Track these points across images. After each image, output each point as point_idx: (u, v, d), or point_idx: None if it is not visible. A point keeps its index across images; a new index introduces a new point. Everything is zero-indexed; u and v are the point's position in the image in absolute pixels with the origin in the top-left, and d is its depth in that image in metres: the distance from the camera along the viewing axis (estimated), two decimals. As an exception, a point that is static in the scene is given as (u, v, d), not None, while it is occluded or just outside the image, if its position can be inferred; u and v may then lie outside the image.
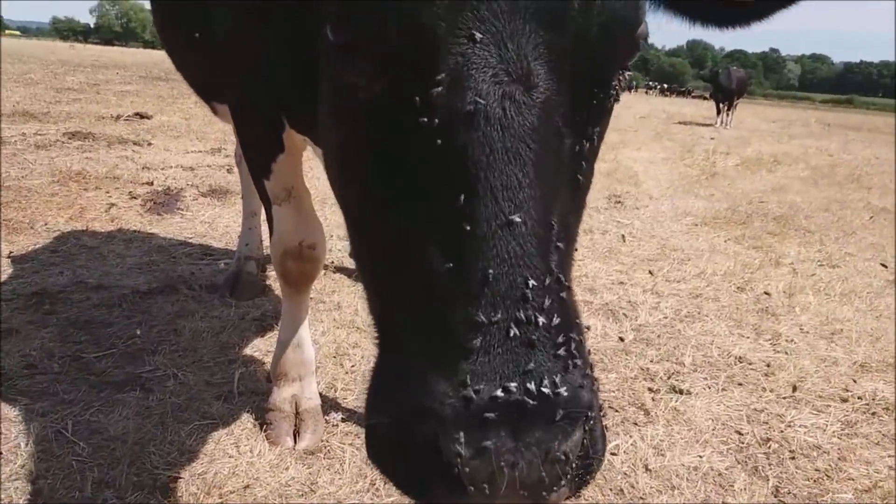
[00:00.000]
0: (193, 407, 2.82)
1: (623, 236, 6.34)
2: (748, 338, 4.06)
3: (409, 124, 0.99)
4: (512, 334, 0.93)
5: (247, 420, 2.77)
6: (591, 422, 0.96)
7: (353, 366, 3.28)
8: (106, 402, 2.81)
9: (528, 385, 0.91)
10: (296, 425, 2.73)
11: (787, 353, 3.86)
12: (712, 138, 18.85)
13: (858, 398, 3.39)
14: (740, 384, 3.44)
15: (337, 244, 5.24)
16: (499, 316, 0.93)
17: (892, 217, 8.69)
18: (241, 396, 2.95)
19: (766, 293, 4.94)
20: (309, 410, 2.78)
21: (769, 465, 2.77)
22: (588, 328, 1.13)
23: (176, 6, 2.91)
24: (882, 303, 4.96)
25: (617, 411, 3.09)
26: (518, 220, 0.96)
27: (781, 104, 75.85)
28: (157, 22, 3.57)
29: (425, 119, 0.98)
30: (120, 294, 3.94)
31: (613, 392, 3.25)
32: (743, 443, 2.92)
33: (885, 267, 6.04)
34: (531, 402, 0.90)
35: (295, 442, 2.68)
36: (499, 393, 0.90)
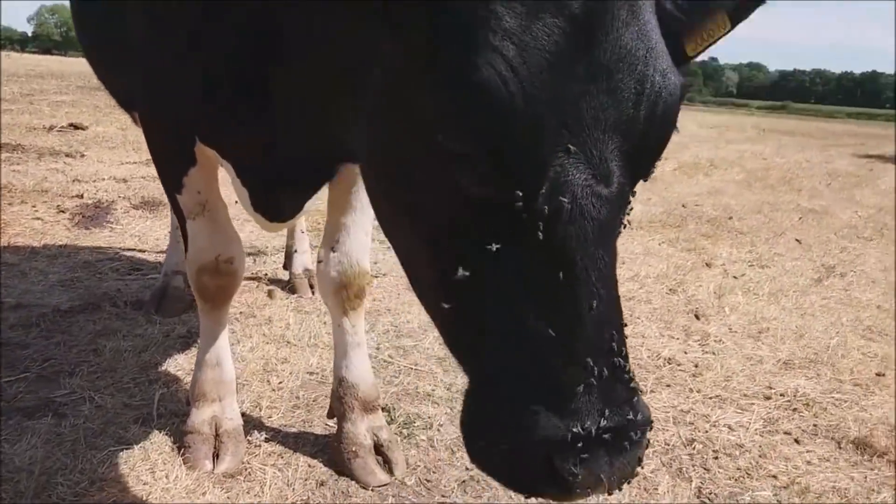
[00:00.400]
0: (109, 432, 2.72)
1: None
2: (678, 339, 4.13)
3: (512, 217, 1.17)
4: (604, 378, 1.19)
5: (165, 444, 2.67)
6: (647, 425, 1.26)
7: (280, 382, 3.22)
8: (14, 430, 2.68)
9: (617, 416, 1.20)
10: (215, 447, 2.63)
11: (714, 353, 3.93)
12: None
13: (781, 395, 3.48)
14: (668, 385, 3.49)
15: (272, 256, 5.17)
16: (597, 366, 1.18)
17: (819, 217, 8.98)
18: (160, 419, 2.86)
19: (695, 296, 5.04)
20: (229, 432, 2.68)
21: (693, 465, 2.82)
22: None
23: (92, 11, 2.86)
24: (807, 300, 5.11)
25: (546, 417, 3.10)
26: (603, 292, 1.20)
27: (721, 111, 77.94)
28: (76, 29, 3.49)
29: (527, 214, 1.16)
30: (39, 313, 3.80)
31: (543, 398, 3.27)
32: (669, 444, 2.96)
33: (813, 262, 6.24)
34: (618, 429, 1.19)
35: (214, 465, 2.58)
36: (601, 424, 1.18)
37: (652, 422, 1.28)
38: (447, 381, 3.35)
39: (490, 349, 1.27)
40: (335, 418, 2.77)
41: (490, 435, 1.26)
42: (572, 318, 1.18)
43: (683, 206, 8.98)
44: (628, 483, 1.27)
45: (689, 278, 5.45)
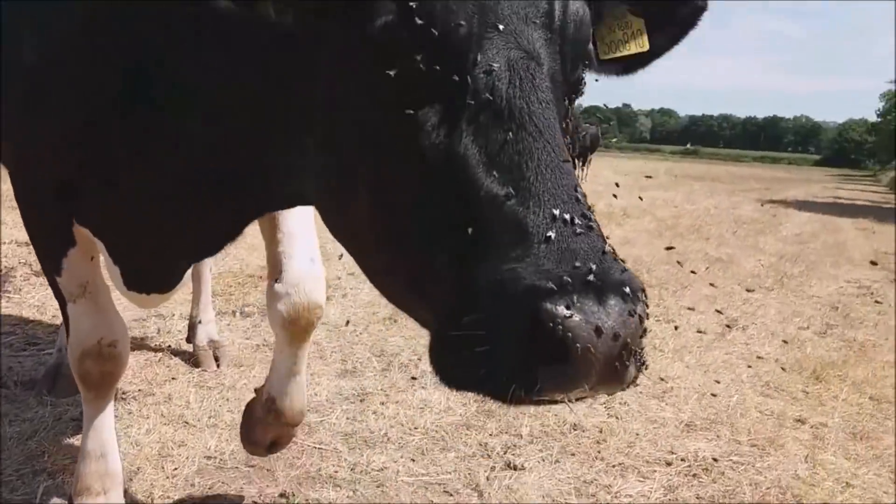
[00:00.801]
0: (-15, 533, 2.57)
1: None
2: (584, 403, 4.19)
3: (457, 90, 1.26)
4: (576, 227, 1.16)
5: (47, 544, 2.54)
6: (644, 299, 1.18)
7: (175, 469, 3.10)
8: None
9: (608, 264, 1.15)
10: None
11: (618, 417, 4.01)
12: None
13: (682, 460, 3.56)
14: (573, 454, 3.54)
15: (178, 324, 5.03)
16: (568, 213, 1.17)
17: (725, 266, 9.36)
18: (43, 515, 2.72)
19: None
20: None
21: (594, 539, 2.85)
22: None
23: None
24: (710, 357, 5.29)
25: (451, 495, 3.09)
26: (558, 147, 1.24)
27: (635, 156, 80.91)
28: None
29: (474, 85, 1.25)
30: (-81, 400, 3.58)
31: (449, 474, 3.25)
32: (572, 517, 2.99)
33: (720, 313, 6.47)
34: (615, 276, 1.13)
35: None
36: (582, 267, 1.11)
37: (642, 287, 1.19)
38: (352, 460, 3.30)
39: (454, 242, 1.24)
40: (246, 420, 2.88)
41: (464, 329, 1.14)
42: (532, 169, 1.21)
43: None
44: (639, 365, 1.18)
45: (599, 336, 5.56)
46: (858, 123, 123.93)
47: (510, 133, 1.23)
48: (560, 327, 1.05)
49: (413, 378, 4.36)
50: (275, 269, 2.59)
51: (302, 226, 2.62)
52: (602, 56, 1.66)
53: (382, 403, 3.94)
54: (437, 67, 1.26)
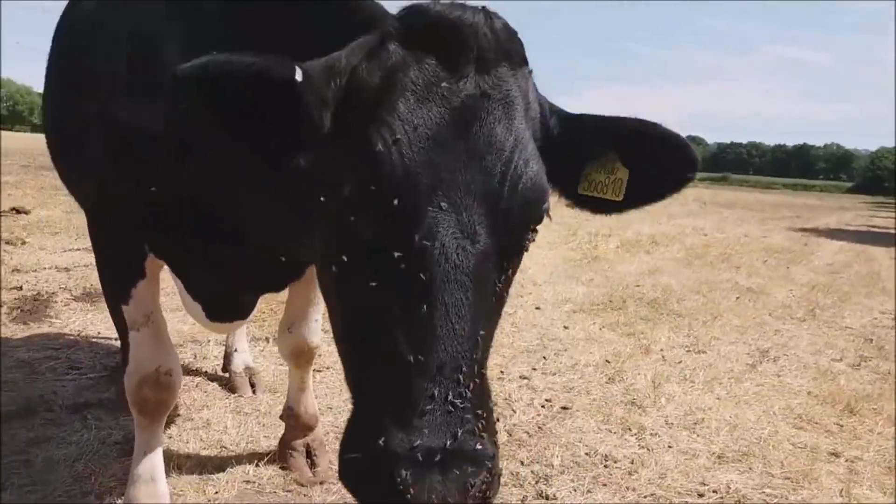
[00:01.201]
0: (37, 553, 2.66)
1: (504, 327, 6.50)
2: (615, 433, 4.21)
3: (393, 260, 1.45)
4: (448, 405, 1.41)
5: (95, 563, 2.63)
6: (490, 470, 1.42)
7: (216, 493, 3.18)
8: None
9: (454, 441, 1.38)
10: None
11: (649, 448, 4.02)
12: (596, 217, 19.71)
13: (714, 492, 3.57)
14: (604, 485, 3.56)
15: (213, 350, 5.14)
16: (441, 391, 1.40)
17: (756, 297, 9.30)
18: (91, 536, 2.81)
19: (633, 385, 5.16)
20: None
21: (627, 570, 2.86)
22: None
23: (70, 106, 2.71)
24: (741, 388, 5.27)
25: (483, 523, 3.13)
26: (458, 327, 1.43)
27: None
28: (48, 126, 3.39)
29: (406, 257, 1.45)
30: (-31, 422, 3.71)
31: None
32: (604, 548, 3.01)
33: (751, 345, 6.45)
34: (454, 451, 1.38)
35: None
36: (436, 444, 1.37)
37: (491, 460, 1.44)
38: (386, 487, 3.36)
39: (364, 372, 1.55)
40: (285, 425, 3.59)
41: (349, 451, 1.49)
42: (425, 345, 1.42)
43: (624, 287, 9.22)
44: None
45: (628, 366, 5.58)
46: (891, 151, 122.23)
47: (424, 309, 1.43)
48: (404, 488, 1.35)
49: (444, 406, 4.42)
50: (288, 321, 3.39)
51: (315, 309, 3.34)
52: (581, 191, 1.82)
53: (415, 431, 4.00)
54: (383, 235, 1.48)
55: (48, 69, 2.91)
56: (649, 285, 9.52)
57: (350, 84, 1.53)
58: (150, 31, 2.22)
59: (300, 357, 3.42)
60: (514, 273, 1.65)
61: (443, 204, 1.44)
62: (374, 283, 1.48)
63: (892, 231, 25.73)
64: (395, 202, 1.44)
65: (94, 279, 7.15)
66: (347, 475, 1.51)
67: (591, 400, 4.74)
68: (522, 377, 5.09)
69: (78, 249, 8.79)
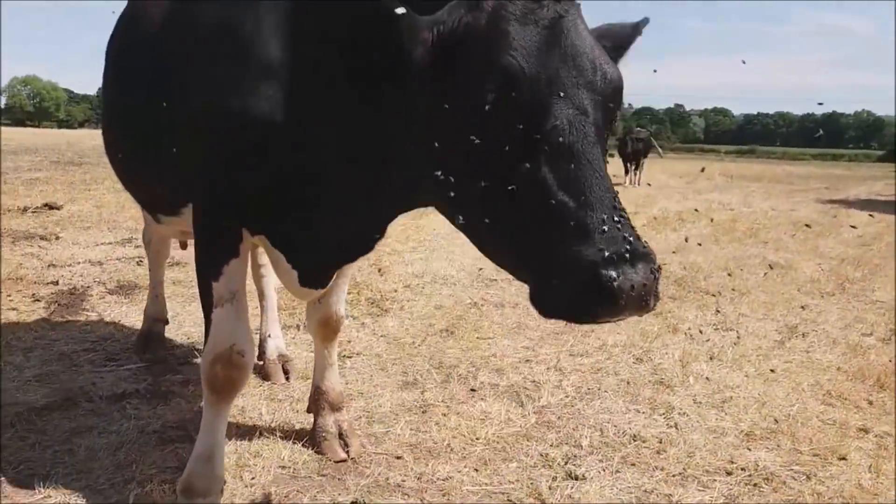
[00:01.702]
0: (85, 539, 2.77)
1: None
2: (643, 413, 4.25)
3: (539, 140, 1.91)
4: (617, 224, 1.84)
5: (141, 548, 2.74)
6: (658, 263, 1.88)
7: (252, 478, 3.28)
8: (-9, 541, 2.74)
9: (631, 245, 1.80)
10: None
11: (678, 427, 4.05)
12: (622, 195, 19.58)
13: (742, 469, 3.59)
14: (633, 464, 3.60)
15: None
16: (608, 215, 1.84)
17: (784, 272, 9.22)
18: (136, 522, 2.92)
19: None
20: None
21: (656, 548, 2.91)
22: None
23: (147, 110, 3.02)
24: (769, 365, 5.27)
25: (514, 504, 3.19)
26: (599, 171, 1.90)
27: (689, 157, 79.52)
28: (108, 128, 3.68)
29: (551, 134, 1.91)
30: (14, 413, 3.84)
31: (513, 483, 3.36)
32: (633, 526, 3.05)
33: (779, 321, 6.43)
34: (634, 251, 1.80)
35: None
36: (626, 248, 1.80)
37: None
38: (417, 470, 3.43)
39: (540, 235, 1.90)
40: (312, 413, 3.75)
41: (553, 285, 1.85)
42: (585, 191, 1.85)
43: (651, 265, 9.18)
44: (656, 299, 1.86)
45: (656, 345, 5.60)
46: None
47: (572, 166, 1.88)
48: (610, 284, 1.74)
49: (472, 390, 4.49)
50: (318, 299, 3.48)
51: (343, 280, 3.53)
52: None
53: (444, 415, 4.07)
54: (522, 126, 1.91)
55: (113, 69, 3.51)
56: (676, 263, 9.48)
57: (458, 28, 2.00)
58: (245, 21, 2.55)
59: (327, 328, 3.57)
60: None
61: (560, 93, 1.90)
62: (527, 165, 1.90)
63: (925, 200, 25.24)
64: (530, 97, 1.89)
65: (126, 272, 7.32)
66: (553, 303, 1.88)
67: (619, 380, 4.78)
68: (550, 359, 5.14)
69: (110, 243, 8.98)
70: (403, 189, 2.42)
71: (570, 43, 1.96)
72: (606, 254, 1.76)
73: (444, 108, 2.02)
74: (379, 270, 7.93)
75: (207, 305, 2.84)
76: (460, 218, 2.13)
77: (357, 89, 2.29)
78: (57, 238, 9.14)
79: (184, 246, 4.94)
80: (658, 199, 19.99)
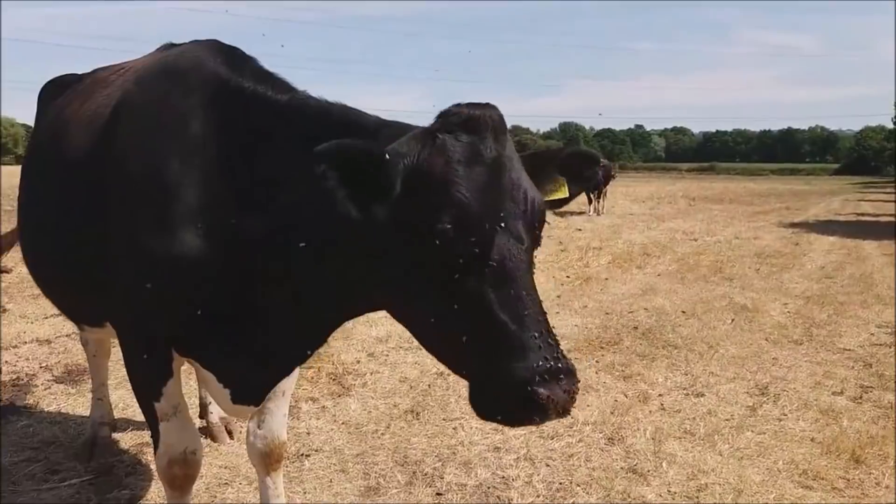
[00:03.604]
0: None
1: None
2: (615, 512, 4.07)
3: (480, 265, 2.09)
4: (548, 341, 2.05)
5: None
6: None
7: None
8: None
9: (558, 362, 2.02)
10: None
11: (653, 530, 3.88)
12: (580, 230, 19.68)
13: (722, 583, 3.43)
14: (609, 584, 3.42)
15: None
16: (541, 333, 2.05)
17: (751, 316, 9.19)
18: None
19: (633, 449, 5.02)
20: None
21: None
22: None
23: (62, 232, 3.20)
24: (743, 439, 5.14)
25: None
26: (532, 294, 2.12)
27: (651, 177, 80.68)
28: (30, 248, 3.80)
29: (491, 260, 2.09)
30: (-58, 556, 3.55)
31: None
32: None
33: (748, 381, 6.34)
34: (562, 369, 2.02)
35: None
36: (552, 364, 2.01)
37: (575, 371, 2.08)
38: None
39: (481, 347, 2.09)
40: None
41: (490, 394, 2.09)
42: (521, 311, 2.05)
43: (619, 315, 9.10)
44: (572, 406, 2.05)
45: (627, 420, 5.45)
46: (875, 130, 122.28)
47: (511, 290, 2.08)
48: (541, 399, 1.97)
49: (438, 493, 4.27)
50: (258, 416, 3.45)
51: (285, 387, 3.47)
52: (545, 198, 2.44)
53: (409, 532, 3.85)
54: (470, 254, 2.09)
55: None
56: (643, 310, 9.41)
57: (418, 164, 2.17)
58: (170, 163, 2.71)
59: (270, 458, 3.52)
60: None
61: (502, 224, 2.10)
62: (472, 288, 2.08)
63: (882, 220, 25.75)
64: (474, 229, 2.07)
65: (75, 353, 6.98)
66: (489, 408, 2.12)
67: (590, 470, 4.60)
68: (519, 447, 4.95)
69: (58, 315, 8.56)
70: (350, 305, 2.68)
71: (508, 178, 2.18)
72: (538, 371, 1.97)
73: (402, 235, 2.18)
74: (343, 335, 7.69)
75: (152, 419, 3.05)
76: (410, 326, 2.40)
77: (302, 221, 2.50)
78: (4, 311, 8.76)
79: None
80: (622, 229, 20.08)
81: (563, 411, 2.02)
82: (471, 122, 2.20)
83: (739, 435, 5.22)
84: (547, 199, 2.44)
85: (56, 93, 4.08)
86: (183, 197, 2.64)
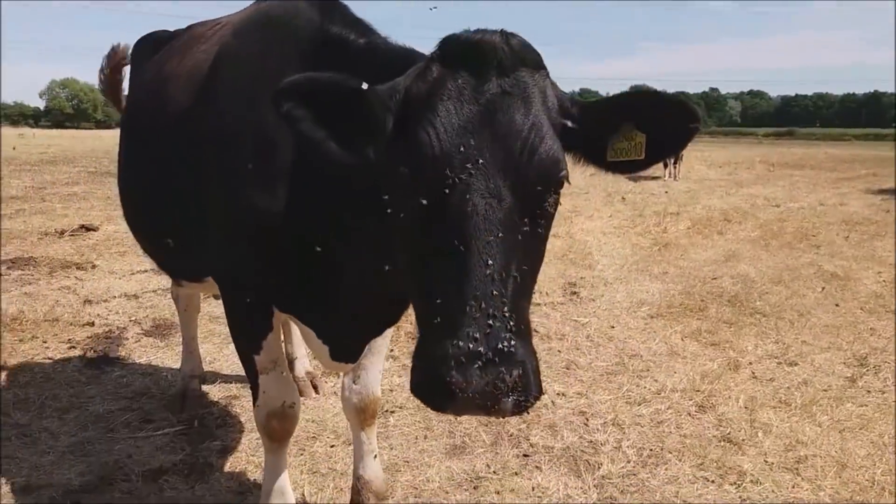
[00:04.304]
0: None
1: (579, 342, 6.24)
2: (713, 482, 3.93)
3: (440, 219, 1.81)
4: (488, 319, 1.70)
5: None
6: (524, 368, 1.70)
7: None
8: None
9: (492, 348, 1.68)
10: None
11: (752, 501, 3.73)
12: (665, 192, 19.15)
13: (830, 558, 3.27)
14: (709, 554, 3.30)
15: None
16: (482, 308, 1.71)
17: (842, 284, 8.76)
18: None
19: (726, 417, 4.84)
20: None
21: None
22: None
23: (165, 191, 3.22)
24: (843, 411, 4.90)
25: None
26: (490, 263, 1.75)
27: (727, 141, 78.07)
28: (128, 200, 3.89)
29: (447, 215, 1.81)
30: (49, 496, 3.68)
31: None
32: None
33: (846, 351, 6.04)
34: (490, 353, 1.67)
35: None
36: (476, 349, 1.67)
37: (526, 361, 1.71)
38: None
39: (422, 315, 1.88)
40: None
41: (416, 366, 1.80)
42: (464, 279, 1.73)
43: (702, 282, 8.81)
44: (515, 407, 1.72)
45: (718, 388, 5.26)
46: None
47: (459, 254, 1.76)
48: (449, 384, 1.66)
49: (525, 455, 4.20)
50: (353, 371, 3.44)
51: (381, 345, 3.45)
52: (609, 158, 2.13)
53: (497, 492, 3.80)
54: (423, 203, 1.84)
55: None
56: (727, 277, 9.08)
57: (407, 97, 1.95)
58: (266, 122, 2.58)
59: (365, 413, 3.51)
60: (544, 230, 1.95)
61: (472, 173, 1.79)
62: (429, 240, 1.83)
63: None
64: (432, 174, 1.81)
65: (162, 307, 7.18)
66: (412, 383, 1.80)
67: (682, 438, 4.45)
68: (606, 411, 4.83)
69: (145, 271, 8.83)
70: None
71: (507, 121, 1.86)
72: (458, 352, 1.67)
73: (387, 174, 2.01)
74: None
75: (252, 373, 3.07)
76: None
77: (350, 166, 2.23)
78: (93, 267, 9.04)
79: None
80: (700, 195, 19.43)
81: (485, 406, 1.68)
82: (470, 52, 1.92)
83: (839, 406, 4.98)
84: (613, 160, 2.11)
85: (151, 50, 4.10)
86: (281, 150, 2.58)
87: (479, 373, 1.65)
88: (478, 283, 1.72)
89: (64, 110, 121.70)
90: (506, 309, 1.72)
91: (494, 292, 1.72)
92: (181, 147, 3.03)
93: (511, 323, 1.71)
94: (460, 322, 1.69)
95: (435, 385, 1.69)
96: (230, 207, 2.73)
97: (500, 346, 1.67)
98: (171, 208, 3.19)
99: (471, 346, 1.66)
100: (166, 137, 3.18)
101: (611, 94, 2.25)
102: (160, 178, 3.24)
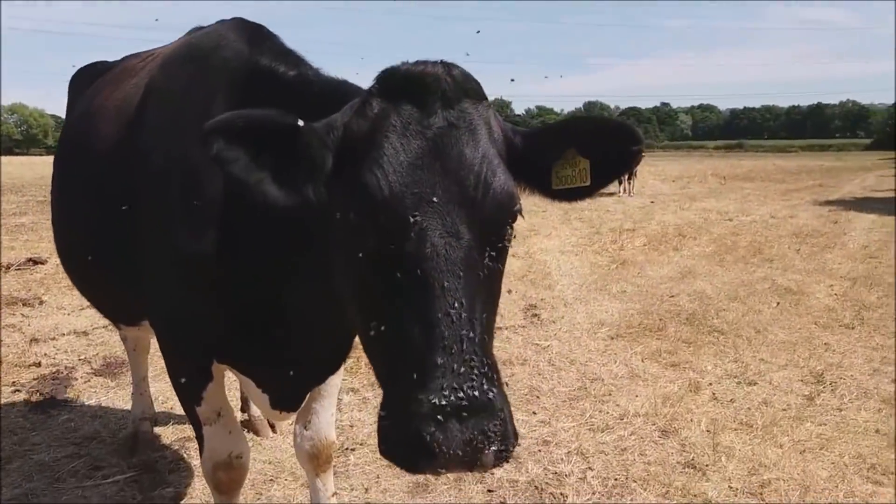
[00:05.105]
0: None
1: (540, 367, 6.20)
2: (674, 511, 3.90)
3: (395, 264, 1.70)
4: (463, 366, 1.59)
5: None
6: (502, 418, 1.60)
7: None
8: None
9: (469, 397, 1.57)
10: None
11: (719, 530, 3.71)
12: (617, 208, 19.36)
13: (798, 588, 3.25)
14: (677, 590, 3.25)
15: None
16: (448, 360, 1.59)
17: (796, 299, 8.91)
18: None
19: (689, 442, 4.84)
20: None
21: None
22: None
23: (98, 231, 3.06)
24: (803, 431, 4.93)
25: None
26: (456, 306, 1.64)
27: (678, 155, 79.54)
28: (57, 224, 3.75)
29: (405, 259, 1.69)
30: (-10, 558, 3.48)
31: None
32: None
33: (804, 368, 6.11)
34: (468, 405, 1.56)
35: None
36: (450, 402, 1.55)
37: (502, 411, 1.62)
38: None
39: (387, 368, 1.76)
40: None
41: (381, 428, 1.68)
42: (432, 326, 1.62)
43: (659, 300, 8.87)
44: (497, 459, 1.61)
45: (680, 411, 5.26)
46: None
47: (425, 297, 1.65)
48: (430, 442, 1.53)
49: (489, 491, 4.13)
50: (303, 417, 3.32)
51: (332, 386, 3.30)
52: (553, 187, 2.07)
53: (464, 532, 3.71)
54: (379, 249, 1.74)
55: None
56: (684, 294, 9.16)
57: (346, 134, 1.86)
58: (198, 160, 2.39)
59: (319, 458, 3.38)
60: (502, 265, 1.87)
61: (427, 212, 1.69)
62: (384, 288, 1.72)
63: (922, 196, 25.05)
64: (385, 219, 1.71)
65: (113, 344, 6.94)
66: (383, 444, 1.66)
67: (646, 465, 4.43)
68: (570, 440, 4.78)
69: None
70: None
71: (457, 154, 1.78)
72: (433, 408, 1.55)
73: (331, 217, 1.91)
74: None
75: (196, 424, 2.96)
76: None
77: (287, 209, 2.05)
78: (41, 303, 8.74)
79: None
80: (654, 211, 19.71)
81: (469, 462, 1.57)
82: (413, 85, 1.83)
83: (799, 426, 5.01)
84: (559, 188, 2.04)
85: (86, 82, 3.98)
86: (211, 188, 2.43)
87: (460, 426, 1.54)
88: (446, 327, 1.61)
89: (13, 136, 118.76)
90: (476, 352, 1.62)
91: (464, 336, 1.62)
92: (109, 184, 2.91)
93: (486, 368, 1.62)
94: (432, 372, 1.57)
95: (412, 444, 1.55)
96: (159, 249, 2.60)
97: (477, 395, 1.57)
98: (100, 247, 3.05)
99: (447, 398, 1.54)
100: (95, 173, 3.05)
101: (565, 110, 2.26)
102: (89, 216, 3.10)
